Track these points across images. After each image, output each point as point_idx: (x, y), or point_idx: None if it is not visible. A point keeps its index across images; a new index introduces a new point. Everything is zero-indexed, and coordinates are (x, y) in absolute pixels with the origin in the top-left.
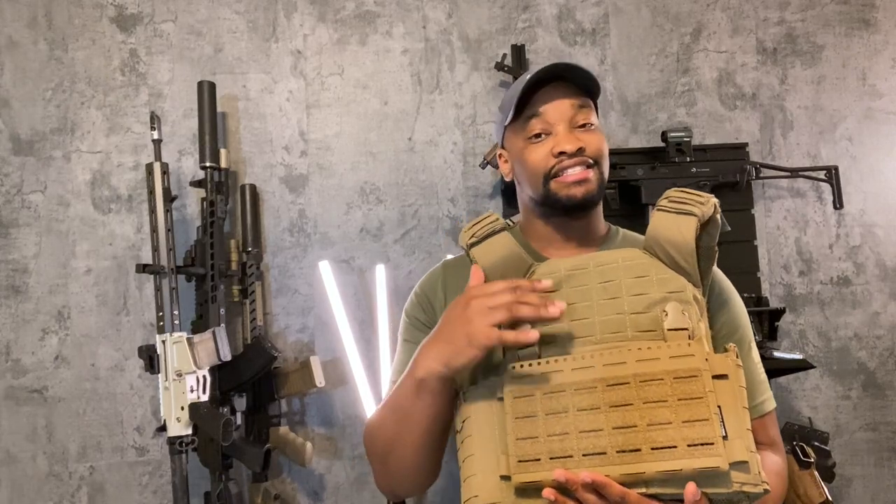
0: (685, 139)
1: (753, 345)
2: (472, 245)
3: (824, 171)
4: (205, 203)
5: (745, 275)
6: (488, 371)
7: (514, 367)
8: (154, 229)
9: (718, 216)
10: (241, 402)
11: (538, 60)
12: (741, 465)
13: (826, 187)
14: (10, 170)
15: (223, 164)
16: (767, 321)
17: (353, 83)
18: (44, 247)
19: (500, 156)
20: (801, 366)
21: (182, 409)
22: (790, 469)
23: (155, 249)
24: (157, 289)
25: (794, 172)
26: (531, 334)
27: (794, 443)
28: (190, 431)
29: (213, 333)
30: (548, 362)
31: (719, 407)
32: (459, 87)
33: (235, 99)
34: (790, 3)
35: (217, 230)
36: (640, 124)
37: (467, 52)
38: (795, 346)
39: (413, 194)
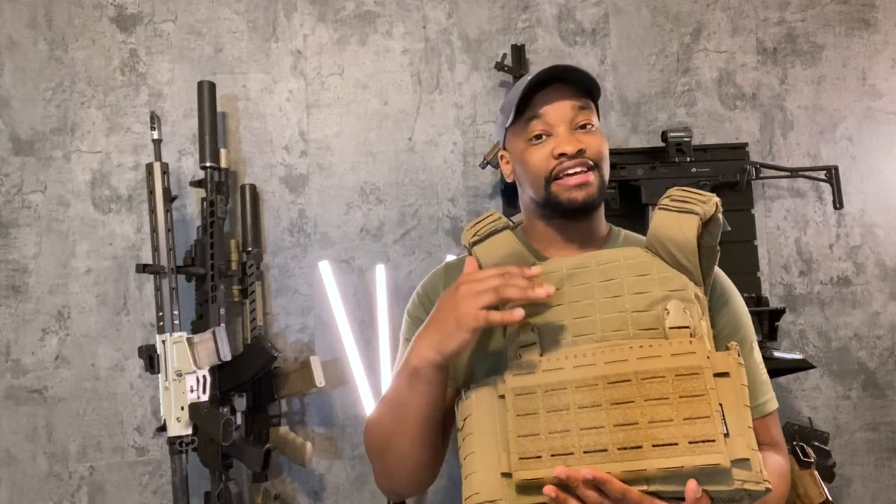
0: (685, 139)
1: (755, 345)
2: (475, 243)
3: (824, 171)
4: (205, 203)
5: (745, 275)
6: (490, 370)
7: (515, 365)
8: (154, 229)
9: (720, 215)
10: (241, 402)
11: (538, 60)
12: (743, 463)
13: (826, 187)
14: (10, 170)
15: (223, 164)
16: (767, 321)
17: (353, 83)
18: (44, 247)
19: (502, 157)
20: (801, 366)
21: (182, 409)
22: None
23: (155, 249)
24: (157, 289)
25: (794, 172)
26: (516, 313)
27: (794, 443)
28: (190, 431)
29: (213, 333)
30: (549, 360)
31: (721, 405)
32: (459, 87)
33: (235, 99)
34: (790, 3)
35: (217, 230)
36: (640, 124)
37: (467, 52)
38: (795, 346)
39: (413, 194)
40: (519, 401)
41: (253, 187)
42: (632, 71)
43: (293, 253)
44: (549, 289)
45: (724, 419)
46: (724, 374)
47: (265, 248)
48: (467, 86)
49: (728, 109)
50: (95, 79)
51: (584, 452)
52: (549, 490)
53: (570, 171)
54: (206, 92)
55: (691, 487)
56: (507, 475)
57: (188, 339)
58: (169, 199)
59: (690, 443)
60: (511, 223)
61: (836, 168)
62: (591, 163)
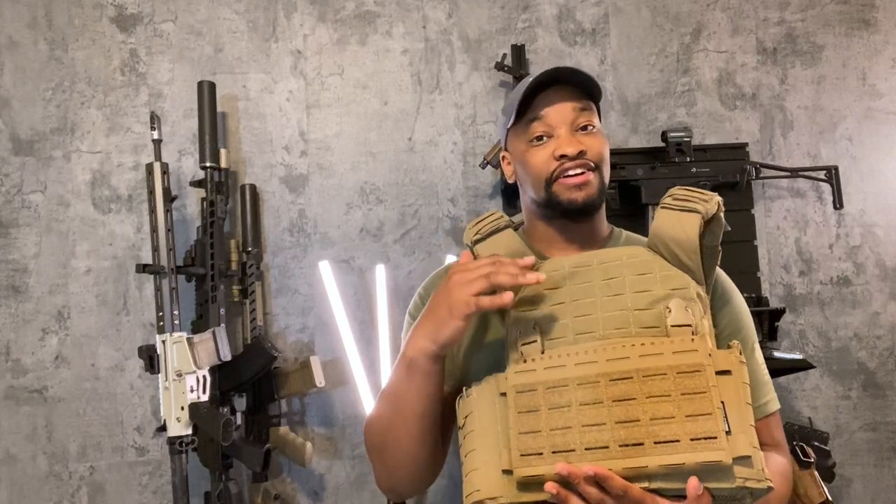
0: (685, 139)
1: (757, 346)
2: (477, 242)
3: (824, 171)
4: (205, 203)
5: (745, 275)
6: (491, 367)
7: (516, 363)
8: (154, 229)
9: (722, 214)
10: (241, 402)
11: (538, 60)
12: (744, 460)
13: (826, 187)
14: (10, 170)
15: (223, 164)
16: (767, 321)
17: (353, 83)
18: (44, 247)
19: (503, 157)
20: (801, 366)
21: (182, 409)
22: None
23: (155, 249)
24: (157, 289)
25: (794, 172)
26: (506, 296)
27: (794, 443)
28: (190, 431)
29: (213, 333)
30: (551, 357)
31: (722, 402)
32: (459, 87)
33: (235, 99)
34: (790, 3)
35: (217, 230)
36: (640, 124)
37: (467, 52)
38: (795, 346)
39: (413, 194)
40: (520, 398)
41: (253, 187)
42: (632, 71)
43: (293, 253)
44: (539, 275)
45: (725, 417)
46: (726, 372)
47: (265, 248)
48: (467, 86)
49: (728, 109)
50: (95, 79)
51: (586, 449)
52: (550, 487)
53: (571, 173)
54: (206, 92)
55: (693, 485)
56: (508, 472)
57: (188, 339)
58: (169, 199)
59: (692, 440)
60: (512, 223)
61: (836, 168)
62: (591, 164)
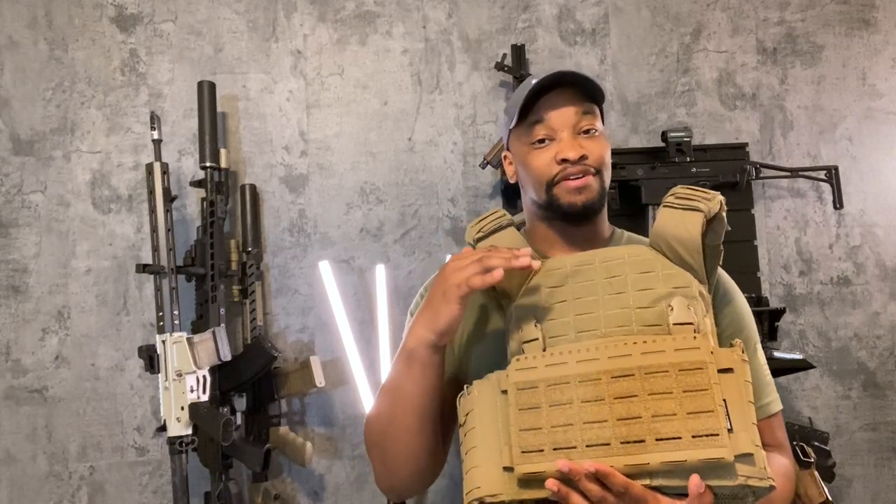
0: (685, 139)
1: (759, 346)
2: (479, 240)
3: (824, 171)
4: (205, 203)
5: (745, 275)
6: (492, 365)
7: (518, 360)
8: (154, 229)
9: (724, 213)
10: (241, 402)
11: (538, 60)
12: (746, 458)
13: (826, 187)
14: (10, 170)
15: (223, 164)
16: (767, 321)
17: (353, 83)
18: (44, 247)
19: (505, 157)
20: (801, 366)
21: (182, 409)
22: None
23: (155, 249)
24: (157, 289)
25: (794, 172)
26: (496, 274)
27: (794, 443)
28: (190, 431)
29: (213, 333)
30: (552, 354)
31: (724, 400)
32: (459, 87)
33: (235, 99)
34: (790, 3)
35: (217, 230)
36: (640, 124)
37: (467, 52)
38: (795, 346)
39: (413, 194)
40: (521, 395)
41: (253, 187)
42: (632, 71)
43: (293, 253)
44: (535, 263)
45: (727, 414)
46: (728, 370)
47: (265, 248)
48: (467, 86)
49: (728, 109)
50: (95, 79)
51: (587, 446)
52: (550, 484)
53: (572, 176)
54: (206, 92)
55: (694, 482)
56: (508, 469)
57: (188, 339)
58: (169, 199)
59: (694, 437)
60: (514, 222)
61: (836, 168)
62: (593, 169)
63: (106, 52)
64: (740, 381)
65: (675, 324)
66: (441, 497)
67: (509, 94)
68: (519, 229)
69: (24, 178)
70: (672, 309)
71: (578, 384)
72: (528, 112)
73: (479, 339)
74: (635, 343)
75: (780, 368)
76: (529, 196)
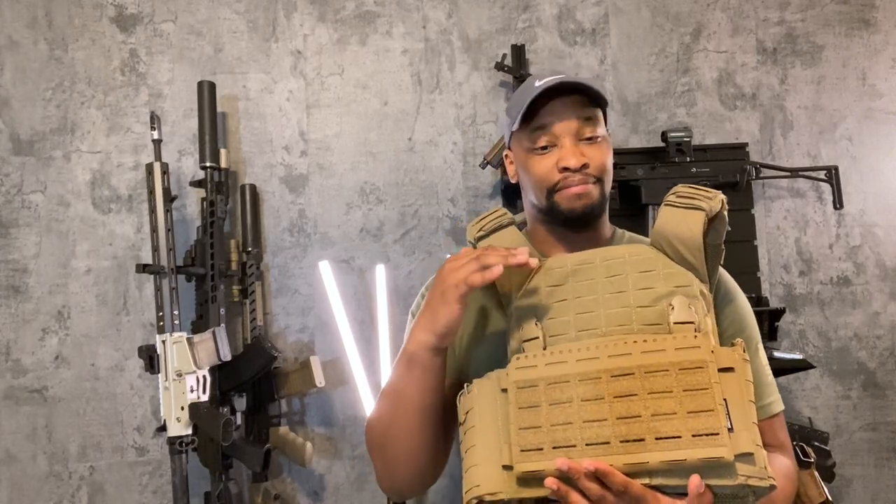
0: (685, 139)
1: (761, 346)
2: (480, 239)
3: (824, 171)
4: (205, 203)
5: (745, 275)
6: (493, 364)
7: (518, 358)
8: (154, 229)
9: (726, 213)
10: (241, 402)
11: (538, 60)
12: (746, 458)
13: (826, 187)
14: (10, 170)
15: (223, 164)
16: (767, 321)
17: (353, 83)
18: (44, 247)
19: (506, 156)
20: (801, 366)
21: (182, 409)
22: None
23: (155, 249)
24: (157, 289)
25: (794, 172)
26: (495, 270)
27: (794, 443)
28: (190, 431)
29: (213, 333)
30: (552, 353)
31: (725, 399)
32: (459, 87)
33: (235, 99)
34: (790, 3)
35: (217, 230)
36: (640, 124)
37: (467, 52)
38: (795, 346)
39: (413, 194)
40: (521, 394)
41: (253, 187)
42: (632, 71)
43: (293, 253)
44: (532, 260)
45: (728, 414)
46: (729, 370)
47: (265, 248)
48: (467, 86)
49: (728, 109)
50: (95, 79)
51: (587, 445)
52: (550, 482)
53: (573, 184)
54: (206, 92)
55: (694, 482)
56: (508, 468)
57: (188, 339)
58: (169, 199)
59: (694, 436)
60: (515, 221)
61: (836, 168)
62: (593, 177)
63: (106, 52)
64: (741, 381)
65: (675, 323)
66: (441, 496)
67: (509, 94)
68: (520, 229)
69: (24, 178)
70: (673, 308)
71: (578, 383)
72: (531, 117)
73: (480, 339)
74: (635, 342)
75: (780, 368)
76: (530, 199)
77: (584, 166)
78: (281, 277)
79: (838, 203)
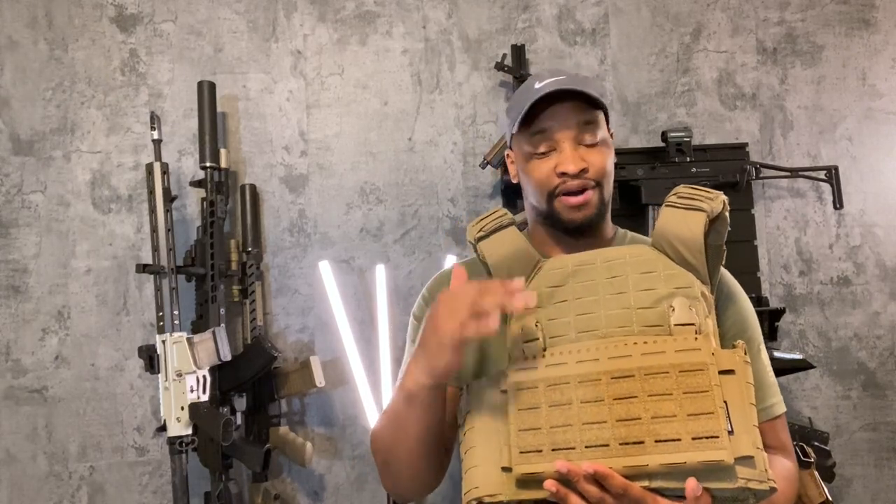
0: (685, 139)
1: (763, 347)
2: (480, 239)
3: (824, 171)
4: (205, 203)
5: (745, 275)
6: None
7: (517, 360)
8: (154, 229)
9: (727, 213)
10: (241, 402)
11: (538, 60)
12: (747, 461)
13: (826, 187)
14: (10, 170)
15: (223, 164)
16: (767, 321)
17: (353, 83)
18: (44, 247)
19: (508, 156)
20: (801, 366)
21: (182, 409)
22: None
23: (155, 249)
24: (157, 289)
25: (794, 172)
26: (491, 322)
27: (794, 443)
28: (190, 431)
29: (213, 333)
30: (552, 354)
31: (725, 402)
32: (459, 87)
33: (235, 99)
34: (790, 3)
35: (217, 230)
36: (640, 124)
37: (467, 52)
38: (795, 346)
39: (413, 194)
40: (521, 395)
41: (253, 187)
42: (632, 71)
43: (293, 253)
44: (528, 297)
45: (728, 416)
46: (730, 372)
47: (265, 248)
48: (467, 86)
49: (728, 109)
50: (95, 79)
51: (586, 447)
52: (549, 484)
53: (571, 191)
54: (206, 92)
55: (691, 486)
56: (507, 469)
57: (188, 339)
58: (169, 199)
59: (693, 439)
60: (516, 221)
61: (836, 168)
62: (593, 182)
63: (106, 52)
64: (741, 383)
65: (676, 324)
66: (441, 497)
67: (509, 94)
68: (521, 229)
69: (24, 178)
70: (673, 309)
71: (578, 385)
72: (530, 121)
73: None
74: (635, 344)
75: (780, 368)
76: (530, 201)
77: (583, 171)
78: (281, 277)
79: (838, 203)
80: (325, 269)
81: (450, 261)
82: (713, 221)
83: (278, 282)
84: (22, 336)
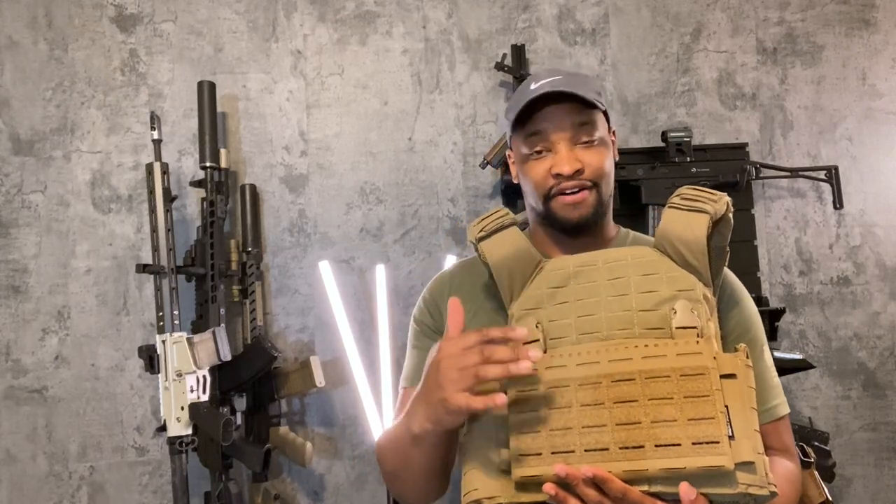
0: (685, 139)
1: (766, 347)
2: (481, 239)
3: (824, 171)
4: (205, 203)
5: (745, 275)
6: None
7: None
8: (154, 229)
9: (731, 215)
10: (241, 402)
11: (538, 60)
12: (747, 466)
13: (826, 187)
14: (10, 170)
15: (223, 164)
16: (767, 321)
17: (353, 83)
18: (44, 247)
19: (509, 156)
20: (801, 366)
21: (182, 409)
22: None
23: (155, 249)
24: (157, 289)
25: (794, 172)
26: (499, 400)
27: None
28: (190, 431)
29: (213, 333)
30: (552, 356)
31: (726, 406)
32: (459, 87)
33: (235, 99)
34: (790, 3)
35: (217, 230)
36: (640, 124)
37: (467, 52)
38: (795, 346)
39: (413, 194)
40: (521, 397)
41: (253, 187)
42: (632, 71)
43: (293, 253)
44: (535, 356)
45: (729, 421)
46: (731, 376)
47: (265, 248)
48: (467, 86)
49: (728, 109)
50: (95, 79)
51: (585, 451)
52: (548, 488)
53: (567, 191)
54: (206, 92)
55: (684, 490)
56: (506, 472)
57: (188, 339)
58: (169, 199)
59: (694, 444)
60: (517, 221)
61: (836, 168)
62: (588, 183)
63: (106, 52)
64: (743, 388)
65: (677, 328)
66: (441, 498)
67: (509, 94)
68: (522, 229)
69: (24, 178)
70: (675, 312)
71: (578, 387)
72: (526, 122)
73: None
74: (636, 347)
75: (780, 368)
76: (529, 202)
77: (579, 172)
78: (281, 277)
79: (838, 203)
80: (325, 269)
81: (450, 261)
82: (716, 223)
83: (278, 282)
84: (22, 336)
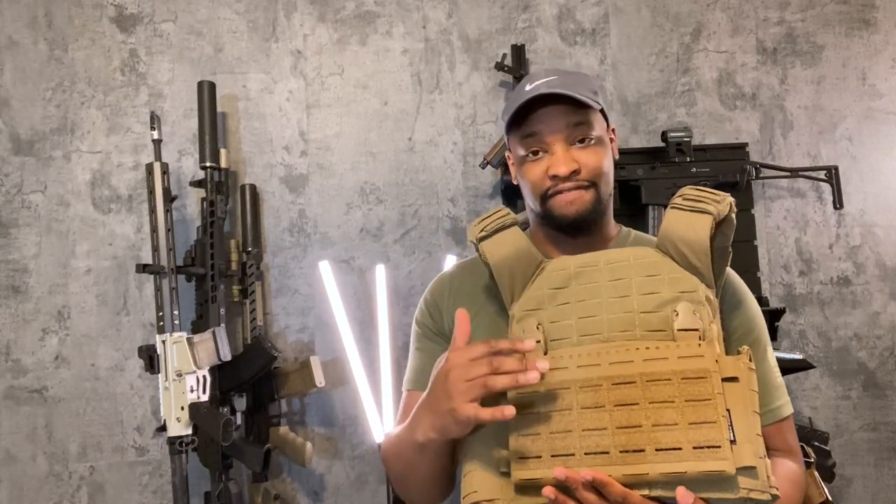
0: (685, 139)
1: (769, 348)
2: (482, 239)
3: (824, 171)
4: (205, 203)
5: (745, 275)
6: None
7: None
8: (154, 229)
9: (734, 215)
10: (241, 402)
11: (538, 60)
12: (749, 471)
13: (826, 187)
14: (10, 170)
15: (223, 164)
16: (767, 321)
17: (353, 83)
18: (44, 247)
19: (509, 157)
20: (801, 366)
21: (182, 409)
22: None
23: (155, 249)
24: (157, 289)
25: (794, 172)
26: (507, 412)
27: None
28: (190, 431)
29: (213, 333)
30: (553, 358)
31: (728, 410)
32: (459, 87)
33: (235, 99)
34: (790, 3)
35: (217, 230)
36: (640, 124)
37: (467, 52)
38: (795, 346)
39: (413, 194)
40: (521, 399)
41: (253, 187)
42: (632, 71)
43: (293, 253)
44: (542, 367)
45: (731, 425)
46: (733, 379)
47: (265, 248)
48: (467, 86)
49: (728, 109)
50: (95, 79)
51: (585, 454)
52: (547, 491)
53: (564, 191)
54: (206, 92)
55: (680, 494)
56: (505, 474)
57: (188, 339)
58: (169, 199)
59: (695, 448)
60: (518, 220)
61: (836, 168)
62: (586, 182)
63: (106, 52)
64: (745, 391)
65: (679, 330)
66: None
67: (509, 94)
68: (523, 228)
69: (24, 178)
70: (677, 314)
71: (579, 390)
72: (522, 123)
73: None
74: (637, 349)
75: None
76: (528, 203)
77: (575, 173)
78: (281, 277)
79: (838, 203)
80: (325, 269)
81: (450, 261)
82: (719, 224)
83: (278, 282)
84: (22, 336)
